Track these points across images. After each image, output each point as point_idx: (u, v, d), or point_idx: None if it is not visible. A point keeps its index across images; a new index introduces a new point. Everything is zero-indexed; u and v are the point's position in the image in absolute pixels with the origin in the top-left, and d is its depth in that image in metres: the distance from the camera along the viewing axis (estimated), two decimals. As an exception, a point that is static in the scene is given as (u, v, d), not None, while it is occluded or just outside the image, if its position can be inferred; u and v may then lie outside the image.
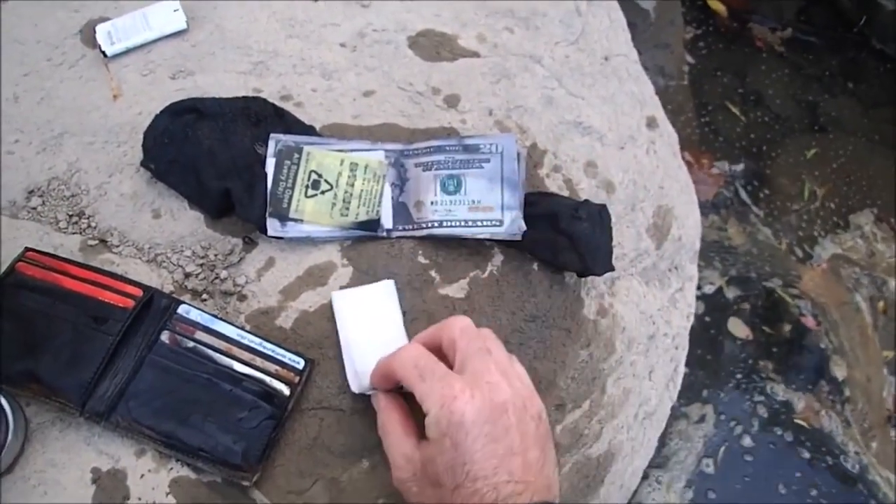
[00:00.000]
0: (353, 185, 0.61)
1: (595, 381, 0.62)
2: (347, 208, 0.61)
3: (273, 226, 0.59)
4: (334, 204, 0.61)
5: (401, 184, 0.62)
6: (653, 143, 0.74)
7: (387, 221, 0.61)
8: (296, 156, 0.61)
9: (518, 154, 0.62)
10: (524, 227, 0.59)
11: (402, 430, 0.50)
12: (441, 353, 0.50)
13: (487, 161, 0.62)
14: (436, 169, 0.62)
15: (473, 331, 0.50)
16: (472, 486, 0.44)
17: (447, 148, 0.62)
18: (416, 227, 0.61)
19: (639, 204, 0.70)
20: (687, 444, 1.08)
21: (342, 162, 0.61)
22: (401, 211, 0.62)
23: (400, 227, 0.61)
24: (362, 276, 0.61)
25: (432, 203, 0.61)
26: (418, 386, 0.47)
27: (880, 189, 1.54)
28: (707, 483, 1.07)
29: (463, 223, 0.60)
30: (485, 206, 0.60)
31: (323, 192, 0.60)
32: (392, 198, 0.62)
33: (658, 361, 0.67)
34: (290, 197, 0.60)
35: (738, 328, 1.24)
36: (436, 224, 0.60)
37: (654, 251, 0.69)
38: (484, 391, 0.45)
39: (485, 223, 0.60)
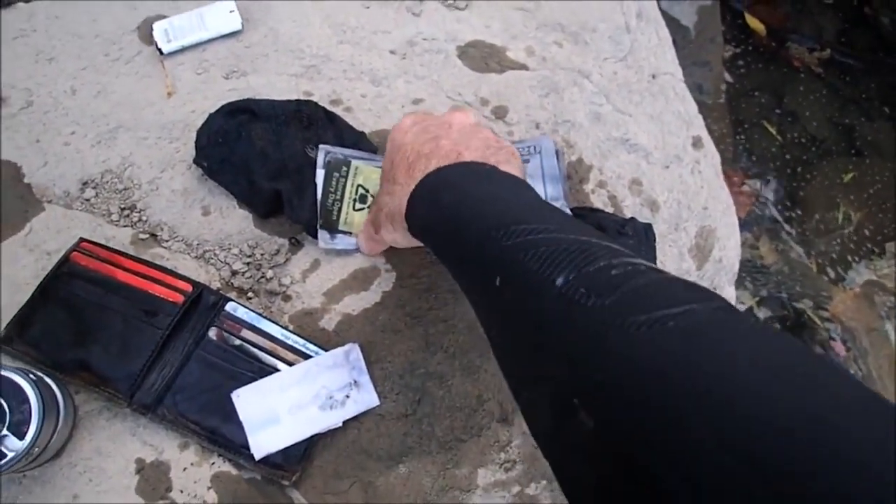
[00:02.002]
0: None
1: (632, 399, 0.62)
2: None
3: (323, 237, 0.60)
4: None
5: None
6: (697, 163, 0.73)
7: None
8: (344, 169, 0.61)
9: (556, 151, 0.64)
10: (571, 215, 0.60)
11: None
12: None
13: (527, 161, 0.63)
14: None
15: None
16: (401, 155, 0.49)
17: None
18: None
19: (682, 224, 0.70)
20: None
21: None
22: None
23: None
24: (406, 281, 0.61)
25: None
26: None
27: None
28: None
29: None
30: None
31: (370, 207, 0.61)
32: None
33: (695, 382, 0.66)
34: (339, 209, 0.61)
35: None
36: None
37: (695, 272, 0.69)
38: (434, 116, 0.53)
39: None
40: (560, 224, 0.38)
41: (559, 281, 0.33)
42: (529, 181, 0.62)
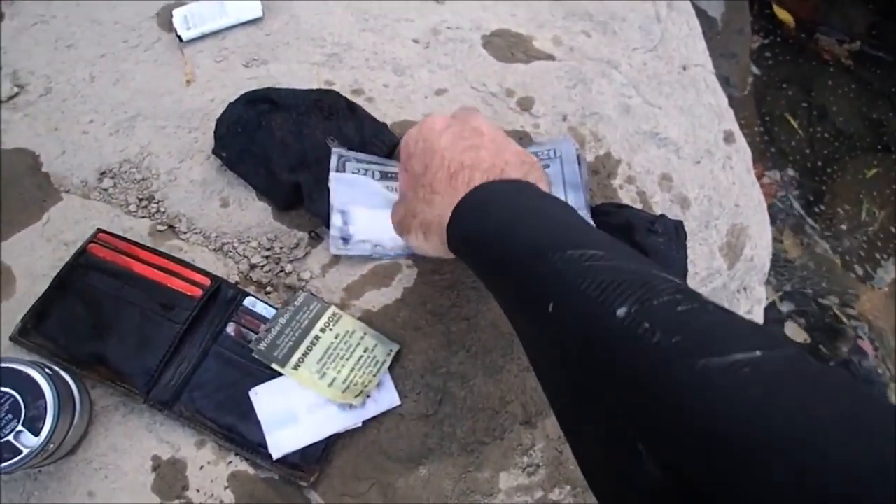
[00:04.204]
0: None
1: (660, 403, 0.60)
2: None
3: (336, 244, 0.58)
4: None
5: None
6: (729, 158, 0.71)
7: None
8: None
9: (578, 157, 0.61)
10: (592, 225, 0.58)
11: None
12: None
13: (548, 167, 0.61)
14: None
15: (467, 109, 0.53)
16: (439, 161, 0.47)
17: None
18: None
19: (713, 221, 0.67)
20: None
21: None
22: None
23: None
24: (428, 278, 0.59)
25: None
26: (417, 127, 0.51)
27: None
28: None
29: None
30: None
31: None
32: None
33: (724, 386, 0.64)
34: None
35: (796, 333, 1.21)
36: None
37: (725, 271, 0.67)
38: (459, 118, 0.50)
39: None
40: (617, 251, 0.36)
41: (620, 312, 0.32)
42: (551, 188, 0.60)
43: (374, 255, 0.59)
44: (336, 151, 0.59)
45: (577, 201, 0.60)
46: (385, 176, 0.60)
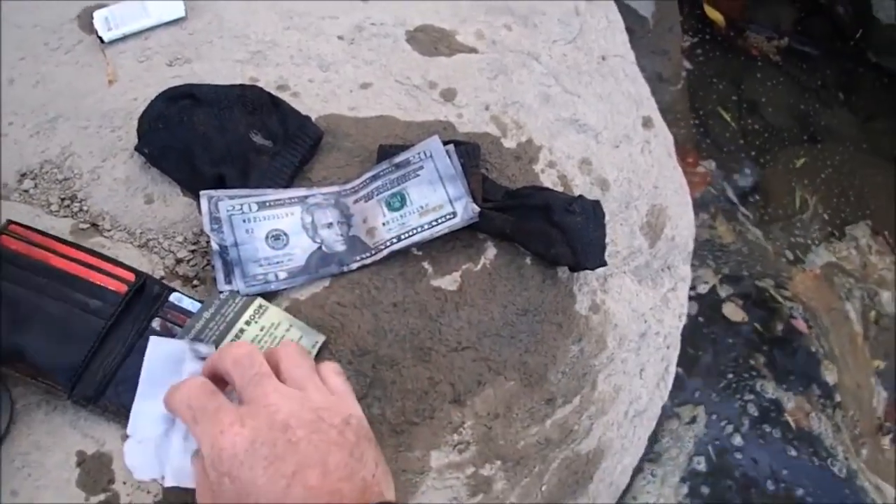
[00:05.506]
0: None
1: (586, 377, 0.62)
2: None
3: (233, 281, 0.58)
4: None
5: (346, 220, 0.62)
6: (648, 142, 0.74)
7: (344, 257, 0.61)
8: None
9: (447, 151, 0.62)
10: (478, 209, 0.60)
11: None
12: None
13: (421, 168, 0.62)
14: (377, 195, 0.62)
15: (247, 359, 0.43)
16: None
17: (380, 174, 0.63)
18: (374, 251, 0.60)
19: (633, 202, 0.70)
20: (678, 443, 1.08)
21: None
22: (354, 244, 0.61)
23: (357, 258, 0.61)
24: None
25: (384, 224, 0.61)
26: (193, 429, 0.42)
27: (872, 201, 1.55)
28: (700, 479, 1.08)
29: (419, 229, 0.60)
30: (434, 206, 0.61)
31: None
32: (341, 235, 0.62)
33: (649, 360, 0.67)
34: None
35: (735, 312, 1.25)
36: (394, 241, 0.60)
37: (647, 250, 0.69)
38: (259, 416, 0.40)
39: (440, 220, 0.60)
40: None
41: None
42: (429, 187, 0.61)
43: (272, 287, 0.59)
44: (205, 193, 0.59)
45: (456, 192, 0.61)
46: (263, 205, 0.60)
